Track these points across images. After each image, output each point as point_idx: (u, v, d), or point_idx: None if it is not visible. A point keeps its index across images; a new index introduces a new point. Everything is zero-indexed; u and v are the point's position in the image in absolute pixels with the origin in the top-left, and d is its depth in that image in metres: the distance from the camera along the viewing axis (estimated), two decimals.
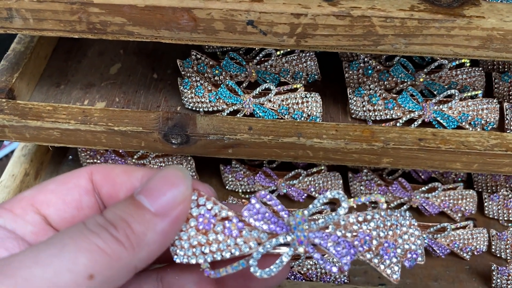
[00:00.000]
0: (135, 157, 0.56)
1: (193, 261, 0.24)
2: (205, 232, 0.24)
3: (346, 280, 0.50)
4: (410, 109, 0.46)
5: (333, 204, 0.54)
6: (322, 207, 0.47)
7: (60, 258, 0.20)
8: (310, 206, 0.25)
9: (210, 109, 0.47)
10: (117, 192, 0.25)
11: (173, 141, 0.45)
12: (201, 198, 0.25)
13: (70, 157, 0.62)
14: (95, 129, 0.45)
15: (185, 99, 0.48)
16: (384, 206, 0.25)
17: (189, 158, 0.57)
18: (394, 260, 0.24)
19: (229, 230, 0.24)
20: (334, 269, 0.24)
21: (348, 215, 0.25)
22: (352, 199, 0.25)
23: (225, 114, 0.47)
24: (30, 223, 0.24)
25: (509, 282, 0.49)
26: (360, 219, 0.24)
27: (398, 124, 0.47)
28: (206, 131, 0.44)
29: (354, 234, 0.24)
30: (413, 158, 0.44)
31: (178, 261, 0.24)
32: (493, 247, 0.53)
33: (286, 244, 0.24)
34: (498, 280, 0.49)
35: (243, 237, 0.24)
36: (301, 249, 0.24)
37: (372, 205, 0.55)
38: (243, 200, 0.56)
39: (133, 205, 0.23)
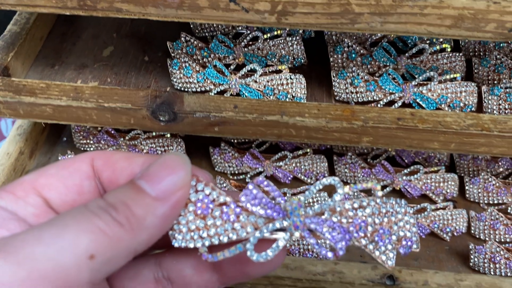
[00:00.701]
0: (127, 138, 0.58)
1: (191, 245, 0.24)
2: (203, 216, 0.25)
3: None
4: (390, 91, 0.48)
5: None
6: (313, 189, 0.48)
7: (62, 238, 0.21)
8: (307, 192, 0.25)
9: (198, 89, 0.49)
10: (117, 178, 0.26)
11: (161, 118, 0.47)
12: (200, 184, 0.25)
13: (65, 138, 0.64)
14: (86, 106, 0.47)
15: (174, 80, 0.50)
16: (380, 193, 0.26)
17: (179, 140, 0.58)
18: (389, 247, 0.25)
19: (227, 215, 0.24)
20: (329, 254, 0.24)
21: (344, 202, 0.25)
22: (348, 186, 0.25)
23: (213, 94, 0.49)
24: (31, 205, 0.24)
25: (485, 260, 0.50)
26: (356, 205, 0.25)
27: (379, 106, 0.48)
28: (193, 108, 0.46)
29: (350, 220, 0.24)
30: (392, 137, 0.46)
31: (176, 245, 0.25)
32: (472, 228, 0.55)
33: (282, 229, 0.24)
34: (476, 259, 0.51)
35: (240, 222, 0.24)
36: (297, 234, 0.24)
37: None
38: (231, 181, 0.58)
39: (133, 189, 0.23)
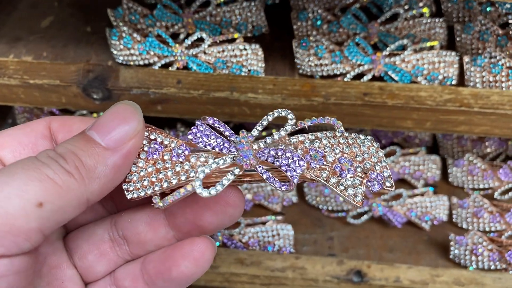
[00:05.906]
0: None
1: (142, 194, 0.24)
2: (153, 162, 0.24)
3: (291, 250, 0.46)
4: (359, 62, 0.42)
5: None
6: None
7: (10, 185, 0.20)
8: (258, 126, 0.24)
9: (141, 63, 0.43)
10: None
11: (95, 96, 0.41)
12: (153, 133, 0.25)
13: (10, 120, 0.58)
14: (10, 83, 0.41)
15: (115, 52, 0.44)
16: (342, 129, 0.25)
17: None
18: (357, 181, 0.23)
19: (176, 156, 0.24)
20: (283, 188, 0.23)
21: (298, 136, 0.24)
22: (306, 119, 0.24)
23: (157, 68, 0.43)
24: None
25: (467, 252, 0.45)
26: (312, 137, 0.24)
27: (345, 79, 0.42)
28: (129, 84, 0.40)
29: (305, 150, 0.23)
30: (358, 116, 0.40)
31: (129, 197, 0.24)
32: (454, 216, 0.49)
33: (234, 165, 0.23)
34: (456, 251, 0.46)
35: (190, 162, 0.23)
36: (247, 167, 0.23)
37: None
38: None
39: (83, 140, 0.23)
